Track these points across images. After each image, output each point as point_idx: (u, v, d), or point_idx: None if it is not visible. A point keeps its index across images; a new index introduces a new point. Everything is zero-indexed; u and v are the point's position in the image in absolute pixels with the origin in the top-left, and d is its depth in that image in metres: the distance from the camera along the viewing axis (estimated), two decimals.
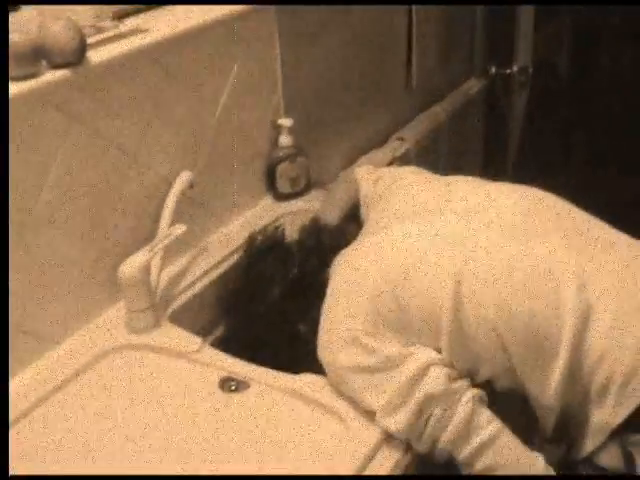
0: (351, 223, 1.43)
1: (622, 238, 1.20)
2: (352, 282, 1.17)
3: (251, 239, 1.45)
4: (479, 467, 1.05)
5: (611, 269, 1.10)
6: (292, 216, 1.49)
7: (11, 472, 0.93)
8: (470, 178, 1.35)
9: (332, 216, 1.47)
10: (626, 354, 1.04)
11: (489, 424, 1.06)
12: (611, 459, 1.07)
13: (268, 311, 1.33)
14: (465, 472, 1.07)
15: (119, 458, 1.07)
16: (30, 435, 1.11)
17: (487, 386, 1.11)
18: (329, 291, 1.20)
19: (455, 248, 1.13)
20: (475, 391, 1.07)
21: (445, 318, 1.08)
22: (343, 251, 1.27)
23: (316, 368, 1.17)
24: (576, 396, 1.07)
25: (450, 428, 1.04)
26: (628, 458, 1.05)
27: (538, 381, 1.08)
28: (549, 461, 1.08)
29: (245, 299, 1.38)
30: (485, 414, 1.07)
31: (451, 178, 1.36)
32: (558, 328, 1.05)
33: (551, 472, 1.06)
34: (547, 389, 1.07)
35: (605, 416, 1.05)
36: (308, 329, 1.25)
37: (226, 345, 1.36)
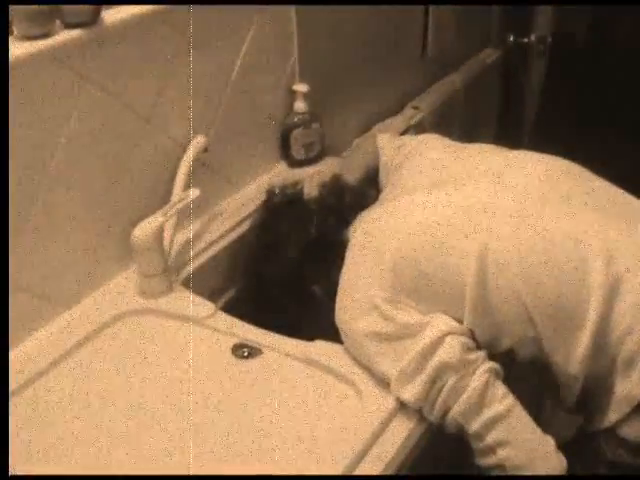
0: (371, 187, 1.41)
1: None
2: (373, 247, 1.15)
3: (269, 194, 1.43)
4: (489, 441, 1.04)
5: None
6: (311, 174, 1.45)
7: (18, 438, 0.93)
8: (492, 146, 1.33)
9: (352, 176, 1.45)
10: None
11: (503, 399, 1.05)
12: (634, 431, 1.06)
13: (283, 271, 1.31)
14: (475, 445, 1.06)
15: (130, 423, 1.06)
16: (40, 399, 1.10)
17: (504, 357, 1.10)
18: (348, 255, 1.19)
19: (479, 217, 1.12)
20: (491, 364, 1.07)
21: (469, 287, 1.07)
22: (363, 213, 1.26)
23: (330, 332, 1.17)
24: (602, 366, 1.06)
25: (463, 399, 1.04)
26: None
27: (564, 350, 1.07)
28: (567, 431, 1.08)
29: (261, 258, 1.37)
30: (500, 388, 1.06)
31: (473, 145, 1.35)
32: (585, 299, 1.04)
33: (561, 457, 1.05)
34: (573, 358, 1.06)
35: (631, 388, 1.04)
36: (324, 291, 1.25)
37: (239, 307, 1.35)
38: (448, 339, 1.05)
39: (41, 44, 1.11)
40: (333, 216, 1.31)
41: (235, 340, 1.20)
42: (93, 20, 1.18)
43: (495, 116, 2.63)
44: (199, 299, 1.29)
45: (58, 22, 1.15)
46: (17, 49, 1.08)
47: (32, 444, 1.02)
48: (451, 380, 1.04)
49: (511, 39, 2.53)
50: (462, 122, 2.31)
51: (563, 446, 1.06)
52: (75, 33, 1.16)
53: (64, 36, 1.14)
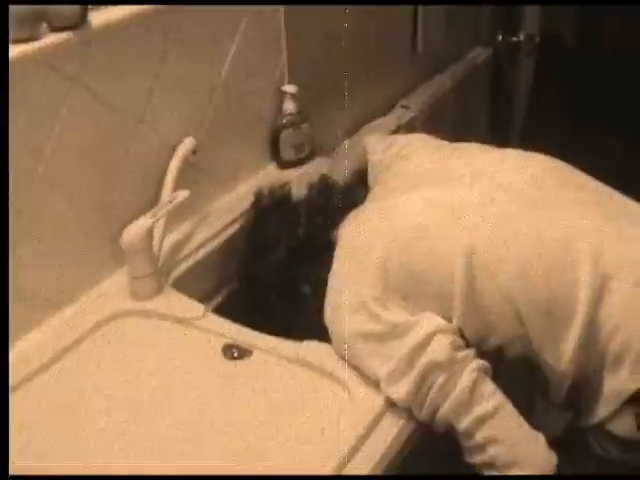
0: (359, 187, 1.41)
1: (637, 207, 1.18)
2: (361, 247, 1.15)
3: (257, 196, 1.43)
4: (479, 438, 1.04)
5: (628, 238, 1.09)
6: (299, 175, 1.46)
7: (11, 442, 0.92)
8: (482, 145, 1.34)
9: (341, 177, 1.45)
10: None
11: (492, 396, 1.05)
12: (623, 426, 1.06)
13: (273, 272, 1.31)
14: (464, 443, 1.07)
15: (120, 423, 1.07)
16: (32, 401, 1.10)
17: (494, 355, 1.11)
18: (337, 256, 1.19)
19: (468, 216, 1.12)
20: (480, 362, 1.07)
21: (458, 287, 1.07)
22: (351, 214, 1.26)
23: (319, 332, 1.17)
24: (591, 363, 1.07)
25: (452, 397, 1.04)
26: None
27: (552, 348, 1.07)
28: (557, 427, 1.08)
29: (250, 259, 1.37)
30: (489, 386, 1.06)
31: (462, 145, 1.35)
32: (574, 297, 1.04)
33: (551, 453, 1.05)
34: (562, 356, 1.06)
35: (620, 384, 1.05)
36: (313, 292, 1.25)
37: (229, 308, 1.35)
38: (437, 338, 1.05)
39: (27, 47, 1.11)
40: (321, 217, 1.31)
41: (225, 341, 1.20)
42: (80, 22, 1.17)
43: (485, 115, 2.64)
44: (189, 300, 1.29)
45: (44, 25, 1.15)
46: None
47: (24, 445, 1.02)
48: (440, 379, 1.04)
49: (500, 38, 2.54)
50: (452, 121, 2.31)
51: (553, 442, 1.07)
52: (62, 36, 1.15)
53: (51, 39, 1.14)
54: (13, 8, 1.08)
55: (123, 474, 0.98)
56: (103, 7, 1.24)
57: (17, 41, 1.11)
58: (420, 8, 2.13)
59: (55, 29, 1.15)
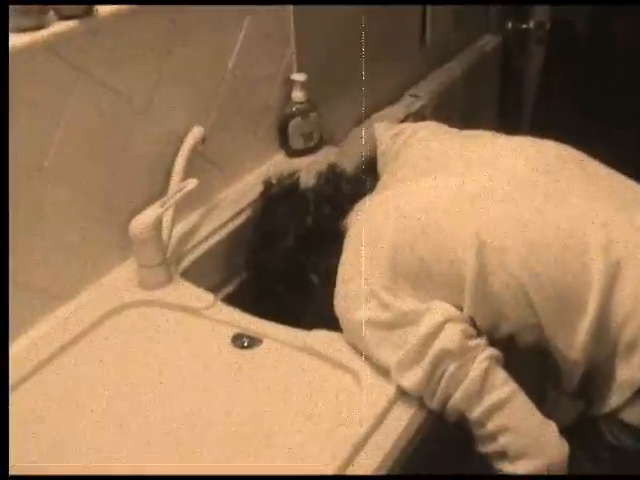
0: (368, 175, 1.40)
1: None
2: (370, 236, 1.15)
3: (266, 185, 1.42)
4: (490, 427, 1.04)
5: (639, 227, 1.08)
6: (308, 164, 1.45)
7: (16, 434, 0.92)
8: (491, 132, 1.33)
9: (349, 165, 1.45)
10: None
11: (504, 385, 1.04)
12: (636, 415, 1.06)
13: (281, 261, 1.31)
14: (476, 432, 1.06)
15: (130, 413, 1.06)
16: (40, 392, 1.10)
17: (505, 343, 1.10)
18: (346, 244, 1.19)
19: (477, 203, 1.11)
20: (492, 351, 1.06)
21: (468, 274, 1.07)
22: (360, 202, 1.26)
23: (329, 321, 1.16)
24: (603, 351, 1.06)
25: (464, 386, 1.03)
26: None
27: (565, 336, 1.06)
28: (569, 416, 1.07)
29: (259, 248, 1.37)
30: (501, 374, 1.05)
31: (470, 132, 1.34)
32: (586, 284, 1.03)
33: (563, 442, 1.05)
34: (574, 344, 1.06)
35: (633, 372, 1.04)
36: (322, 280, 1.24)
37: (238, 297, 1.35)
38: (448, 326, 1.05)
39: (35, 36, 1.10)
40: (330, 205, 1.31)
41: (235, 330, 1.20)
42: (87, 11, 1.17)
43: (494, 103, 2.62)
44: (198, 290, 1.29)
45: (52, 13, 1.14)
46: (10, 41, 1.07)
47: (32, 439, 1.02)
48: (451, 367, 1.03)
49: (510, 25, 2.52)
50: (462, 109, 2.30)
51: (565, 431, 1.06)
52: (69, 24, 1.15)
53: (58, 27, 1.14)
54: None
55: (131, 464, 0.98)
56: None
57: (24, 29, 1.10)
58: (429, 8, 2.13)
59: (62, 17, 1.15)
